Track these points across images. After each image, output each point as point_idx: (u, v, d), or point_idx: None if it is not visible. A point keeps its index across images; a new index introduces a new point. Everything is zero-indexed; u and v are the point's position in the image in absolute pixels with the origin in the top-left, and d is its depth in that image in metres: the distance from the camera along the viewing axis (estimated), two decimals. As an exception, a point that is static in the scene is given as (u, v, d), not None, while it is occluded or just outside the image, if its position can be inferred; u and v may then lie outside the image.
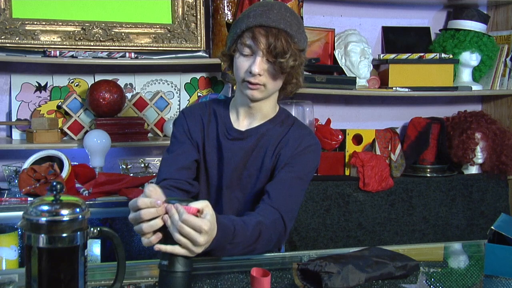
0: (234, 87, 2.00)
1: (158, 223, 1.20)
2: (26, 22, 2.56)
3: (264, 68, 1.51)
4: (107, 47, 2.64)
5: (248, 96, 1.56)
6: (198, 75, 2.89)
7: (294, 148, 1.61)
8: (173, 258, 1.18)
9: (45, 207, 1.07)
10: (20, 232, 2.22)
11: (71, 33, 2.61)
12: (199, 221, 1.17)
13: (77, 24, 2.62)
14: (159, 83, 2.85)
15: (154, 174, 2.55)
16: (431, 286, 1.43)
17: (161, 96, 2.79)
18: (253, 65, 1.50)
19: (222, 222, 1.28)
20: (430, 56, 3.06)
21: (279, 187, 1.55)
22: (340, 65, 3.01)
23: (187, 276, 1.19)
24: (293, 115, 2.72)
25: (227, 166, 1.62)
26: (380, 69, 3.14)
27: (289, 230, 1.54)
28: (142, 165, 2.71)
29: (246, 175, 1.62)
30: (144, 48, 2.70)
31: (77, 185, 2.41)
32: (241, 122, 1.65)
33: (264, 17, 1.50)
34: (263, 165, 1.62)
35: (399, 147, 2.95)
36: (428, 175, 3.00)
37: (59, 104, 2.66)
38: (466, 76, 3.20)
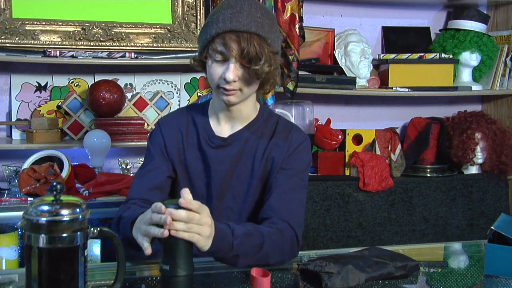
0: None
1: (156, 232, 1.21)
2: (26, 22, 2.56)
3: (238, 74, 1.45)
4: (107, 47, 2.64)
5: (225, 101, 1.50)
6: (198, 75, 2.89)
7: (285, 150, 1.56)
8: (175, 262, 1.18)
9: (45, 207, 1.07)
10: (20, 232, 2.21)
11: (71, 33, 2.61)
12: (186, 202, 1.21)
13: (77, 24, 2.62)
14: (159, 83, 2.85)
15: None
16: (431, 286, 1.43)
17: (161, 96, 2.79)
18: (227, 72, 1.44)
19: (216, 224, 1.29)
20: (430, 56, 3.06)
21: (280, 195, 1.51)
22: (340, 65, 3.01)
23: (189, 279, 1.19)
24: (293, 115, 2.75)
25: (215, 175, 1.56)
26: (380, 69, 3.14)
27: (300, 236, 1.50)
28: (142, 165, 2.71)
29: (237, 183, 1.57)
30: (144, 48, 2.70)
31: (77, 185, 2.41)
32: (223, 127, 1.59)
33: (234, 21, 1.43)
34: (253, 171, 1.56)
35: (399, 147, 2.95)
36: (428, 175, 3.00)
37: (59, 104, 2.66)
38: (466, 76, 3.20)
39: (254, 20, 1.44)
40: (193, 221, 1.19)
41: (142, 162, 1.63)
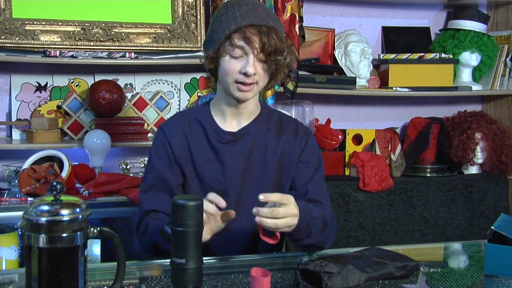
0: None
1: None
2: (26, 22, 2.55)
3: (258, 67, 1.49)
4: (107, 47, 2.64)
5: (240, 98, 1.53)
6: (198, 75, 2.89)
7: (298, 143, 1.62)
8: (188, 255, 1.20)
9: (45, 207, 1.07)
10: (20, 232, 2.21)
11: (71, 33, 2.61)
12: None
13: (77, 24, 2.62)
14: (159, 83, 2.85)
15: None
16: (431, 286, 1.43)
17: (161, 96, 2.79)
18: (248, 66, 1.47)
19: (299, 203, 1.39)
20: (430, 56, 3.06)
21: (316, 188, 1.61)
22: (340, 65, 3.01)
23: (200, 272, 1.22)
24: (293, 115, 2.75)
25: (230, 171, 1.58)
26: (380, 69, 3.14)
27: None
28: (142, 165, 2.71)
29: (249, 177, 1.59)
30: (144, 48, 2.70)
31: (77, 185, 2.41)
32: (229, 123, 1.61)
33: (253, 16, 1.46)
34: (266, 164, 1.59)
35: (399, 147, 2.95)
36: (428, 175, 3.00)
37: (59, 104, 2.66)
38: (466, 76, 3.20)
39: (269, 15, 1.50)
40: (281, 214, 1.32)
41: (143, 172, 1.63)
